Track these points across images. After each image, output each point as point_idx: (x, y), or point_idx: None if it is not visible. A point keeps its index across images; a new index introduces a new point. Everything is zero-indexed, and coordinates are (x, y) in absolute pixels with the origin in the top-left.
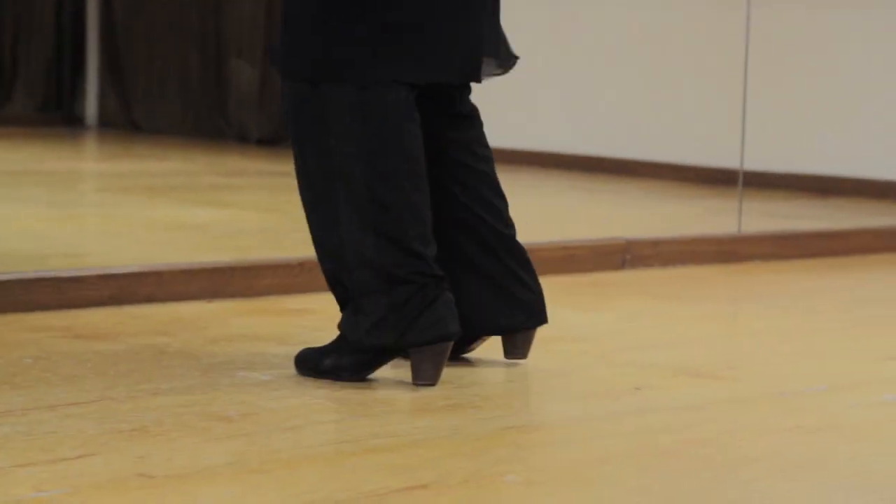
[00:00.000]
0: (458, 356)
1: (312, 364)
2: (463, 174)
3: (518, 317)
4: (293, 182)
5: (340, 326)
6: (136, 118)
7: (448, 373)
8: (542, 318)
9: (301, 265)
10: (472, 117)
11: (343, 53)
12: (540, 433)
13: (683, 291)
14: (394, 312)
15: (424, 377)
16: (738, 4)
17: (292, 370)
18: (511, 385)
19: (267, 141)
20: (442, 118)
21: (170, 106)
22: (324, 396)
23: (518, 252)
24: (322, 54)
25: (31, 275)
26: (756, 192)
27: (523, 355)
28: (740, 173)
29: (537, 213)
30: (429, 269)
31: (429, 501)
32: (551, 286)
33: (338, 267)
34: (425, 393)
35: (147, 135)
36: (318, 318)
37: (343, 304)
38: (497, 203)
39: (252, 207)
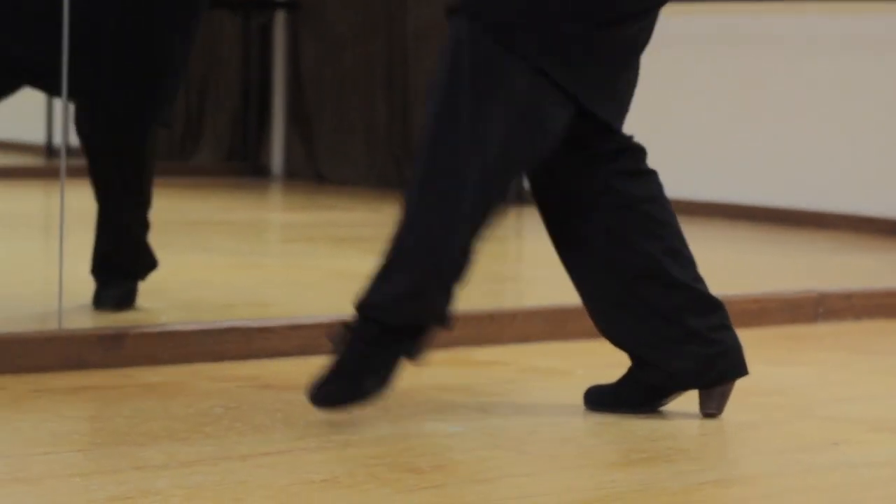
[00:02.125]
0: (654, 408)
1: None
2: (653, 227)
3: (716, 369)
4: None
5: None
6: (322, 168)
7: (642, 425)
8: (741, 370)
9: (490, 316)
10: (652, 173)
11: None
12: (735, 488)
13: (879, 345)
14: None
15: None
16: None
17: (482, 421)
18: (705, 438)
19: None
20: (626, 175)
21: (356, 156)
22: (515, 449)
23: (710, 303)
24: None
25: (219, 325)
26: None
27: (719, 410)
28: None
29: (728, 265)
30: None
31: None
32: (744, 339)
33: None
34: (619, 446)
35: (332, 185)
36: (508, 369)
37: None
38: (687, 253)
39: None
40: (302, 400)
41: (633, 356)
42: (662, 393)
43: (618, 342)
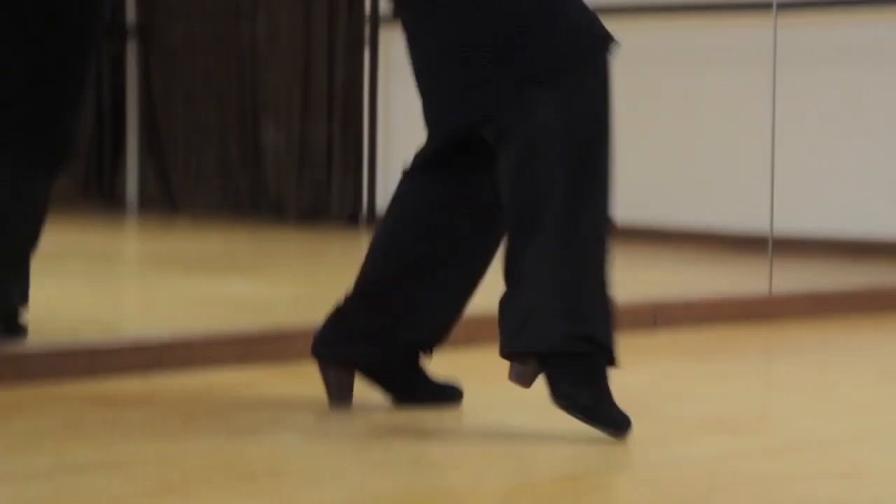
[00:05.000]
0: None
1: None
2: None
3: None
4: (329, 256)
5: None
6: (176, 198)
7: (471, 422)
8: None
9: None
10: None
11: None
12: (563, 483)
13: (714, 350)
14: None
15: None
16: (765, 69)
17: (319, 428)
18: (535, 438)
19: (305, 216)
20: None
21: (209, 185)
22: (351, 452)
23: None
24: None
25: (64, 346)
26: (787, 257)
27: None
28: (770, 236)
29: None
30: None
31: None
32: None
33: None
34: (452, 448)
35: (187, 214)
36: None
37: None
38: None
39: (288, 282)
40: (141, 415)
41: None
42: None
43: None
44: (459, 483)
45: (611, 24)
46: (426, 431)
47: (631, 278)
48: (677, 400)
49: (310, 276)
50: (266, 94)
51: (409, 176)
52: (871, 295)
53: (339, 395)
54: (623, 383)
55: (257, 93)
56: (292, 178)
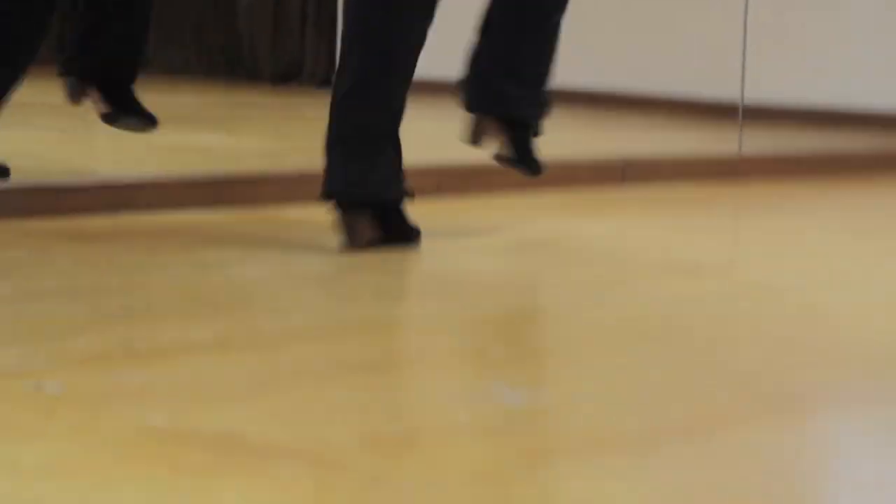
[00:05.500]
0: None
1: None
2: None
3: None
4: (301, 114)
5: None
6: (150, 58)
7: (436, 261)
8: None
9: (301, 177)
10: None
11: None
12: (525, 315)
13: (682, 205)
14: None
15: None
16: None
17: (286, 267)
18: (500, 276)
19: (280, 79)
20: None
21: (183, 47)
22: (315, 285)
23: None
24: None
25: (30, 183)
26: (757, 124)
27: None
28: (741, 99)
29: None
30: None
31: (413, 373)
32: (551, 201)
33: None
34: (414, 279)
35: (160, 73)
36: (317, 225)
37: None
38: None
39: (259, 134)
40: (107, 248)
41: None
42: None
43: None
44: (421, 312)
45: None
46: (389, 270)
47: (601, 137)
48: (643, 247)
49: (281, 132)
50: None
51: None
52: (839, 158)
53: (357, 238)
54: (590, 231)
55: None
56: (267, 40)
